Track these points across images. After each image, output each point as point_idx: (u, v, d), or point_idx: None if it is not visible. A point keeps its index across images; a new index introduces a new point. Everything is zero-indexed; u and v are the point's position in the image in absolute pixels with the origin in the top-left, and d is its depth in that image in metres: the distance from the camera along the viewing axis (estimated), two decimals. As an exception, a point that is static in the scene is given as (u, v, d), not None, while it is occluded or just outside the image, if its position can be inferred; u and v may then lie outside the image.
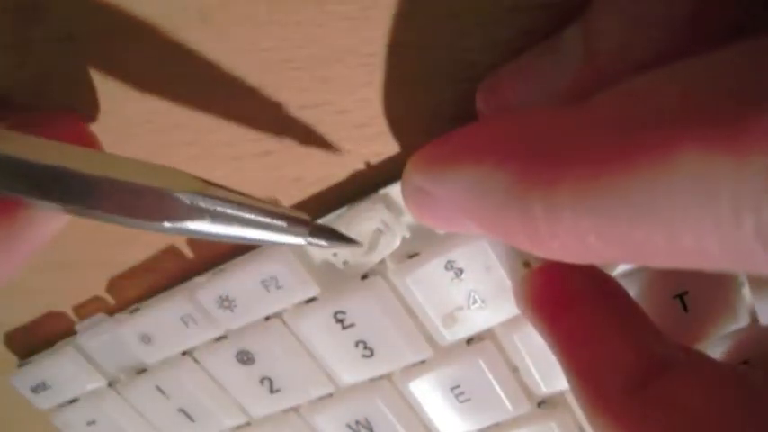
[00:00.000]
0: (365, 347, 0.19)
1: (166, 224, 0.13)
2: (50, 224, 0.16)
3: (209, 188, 0.13)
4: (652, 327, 0.14)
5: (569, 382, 0.14)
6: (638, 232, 0.10)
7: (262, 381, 0.21)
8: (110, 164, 0.13)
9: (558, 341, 0.14)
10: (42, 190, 0.13)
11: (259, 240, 0.14)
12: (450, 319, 0.18)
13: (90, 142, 0.16)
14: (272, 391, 0.21)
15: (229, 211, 0.13)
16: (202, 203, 0.13)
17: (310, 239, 0.14)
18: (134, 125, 0.17)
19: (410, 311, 0.18)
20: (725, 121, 0.08)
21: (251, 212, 0.13)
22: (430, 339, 0.19)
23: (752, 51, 0.09)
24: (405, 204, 0.14)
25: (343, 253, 0.18)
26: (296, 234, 0.14)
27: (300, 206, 0.17)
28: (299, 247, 0.16)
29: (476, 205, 0.12)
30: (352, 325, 0.19)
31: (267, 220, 0.13)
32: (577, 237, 0.10)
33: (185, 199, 0.13)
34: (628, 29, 0.12)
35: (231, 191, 0.13)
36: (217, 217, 0.13)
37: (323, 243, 0.14)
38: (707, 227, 0.09)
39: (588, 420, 0.13)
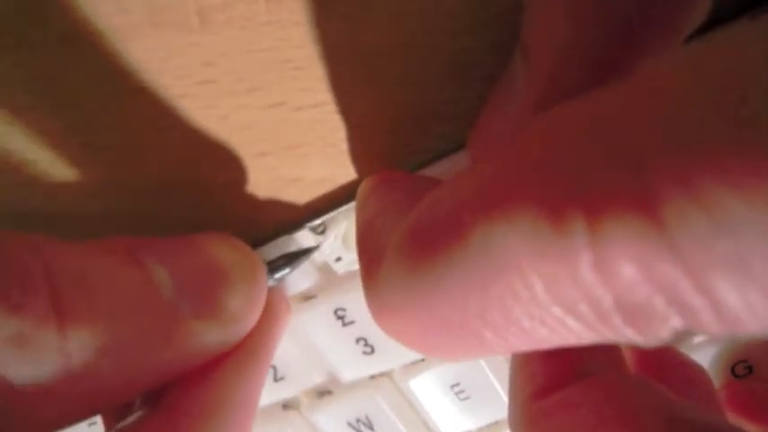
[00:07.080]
0: (366, 344, 0.19)
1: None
2: None
3: None
4: None
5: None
6: (455, 325, 0.09)
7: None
8: None
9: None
10: None
11: None
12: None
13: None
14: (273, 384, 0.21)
15: None
16: None
17: (275, 276, 0.17)
18: (132, 124, 0.17)
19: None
20: (500, 194, 0.08)
21: None
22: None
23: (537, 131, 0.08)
24: None
25: (337, 251, 0.18)
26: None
27: (299, 207, 0.18)
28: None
29: None
30: (352, 322, 0.19)
31: None
32: (415, 323, 0.10)
33: None
34: (559, 53, 0.11)
35: None
36: None
37: (287, 271, 0.17)
38: (509, 304, 0.08)
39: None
